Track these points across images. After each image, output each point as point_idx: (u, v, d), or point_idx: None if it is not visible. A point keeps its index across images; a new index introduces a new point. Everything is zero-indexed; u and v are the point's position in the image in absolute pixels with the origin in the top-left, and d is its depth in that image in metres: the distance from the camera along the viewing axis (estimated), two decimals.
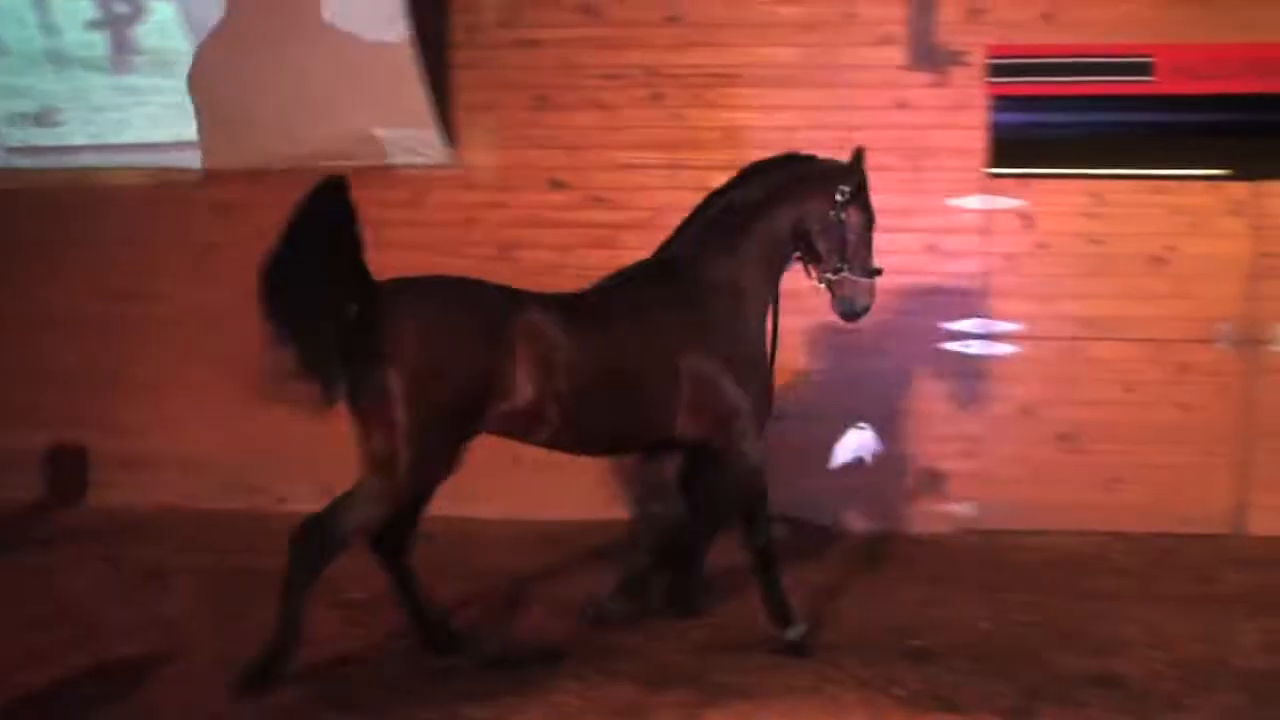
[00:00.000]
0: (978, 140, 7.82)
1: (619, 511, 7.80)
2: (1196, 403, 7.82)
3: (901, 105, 7.83)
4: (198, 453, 8.32)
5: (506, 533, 7.64)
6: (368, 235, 7.94)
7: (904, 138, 7.80)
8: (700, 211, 5.61)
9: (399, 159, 7.98)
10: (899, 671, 5.25)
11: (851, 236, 5.44)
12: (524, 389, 4.95)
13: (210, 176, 8.25)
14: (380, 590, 6.07)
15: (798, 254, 5.60)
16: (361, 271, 4.83)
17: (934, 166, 7.82)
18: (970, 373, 7.86)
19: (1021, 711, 4.82)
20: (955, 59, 7.79)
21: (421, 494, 5.10)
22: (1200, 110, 8.11)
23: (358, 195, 7.90)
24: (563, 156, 8.03)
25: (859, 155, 5.44)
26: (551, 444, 5.33)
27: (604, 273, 7.78)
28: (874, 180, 7.54)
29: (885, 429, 7.89)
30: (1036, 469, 7.91)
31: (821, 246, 5.48)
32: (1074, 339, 7.76)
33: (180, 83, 7.98)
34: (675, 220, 7.73)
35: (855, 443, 6.47)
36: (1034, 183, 7.93)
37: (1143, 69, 7.66)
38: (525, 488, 7.97)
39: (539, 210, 8.03)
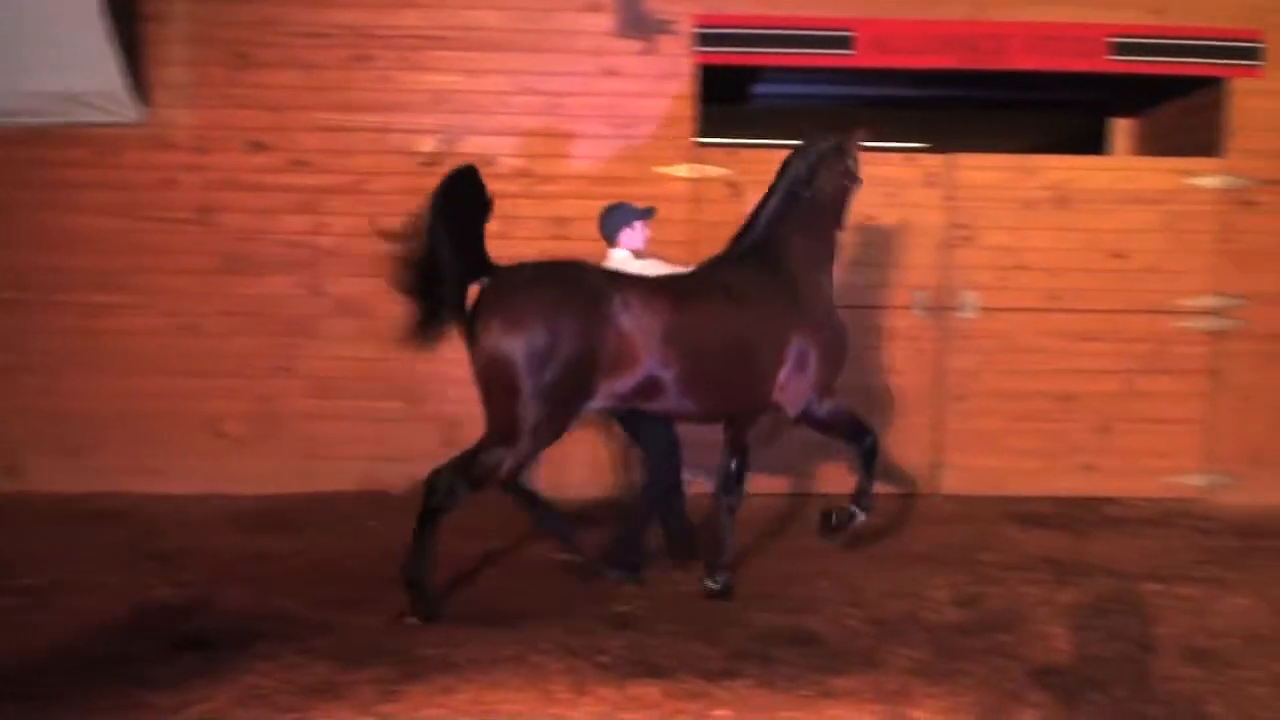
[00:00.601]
0: (686, 109, 8.17)
1: (317, 485, 7.99)
2: (898, 367, 8.40)
3: (610, 73, 8.11)
4: None
5: (205, 510, 7.63)
6: (51, 199, 7.94)
7: (613, 105, 8.11)
8: (770, 196, 6.30)
9: (85, 116, 7.80)
10: (604, 638, 5.42)
11: (850, 200, 6.45)
12: (638, 360, 5.62)
13: None
14: (58, 575, 6.07)
15: None
16: (483, 252, 5.58)
17: (643, 135, 8.13)
18: None
19: (724, 673, 5.04)
20: (663, 27, 8.12)
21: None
22: (897, 84, 8.76)
23: (39, 155, 7.94)
24: (264, 117, 8.01)
25: (857, 131, 6.39)
26: (672, 412, 5.97)
27: (307, 238, 7.98)
28: (582, 148, 7.97)
29: None
30: None
31: (834, 210, 6.39)
32: None
33: None
34: (382, 185, 8.00)
35: None
36: (741, 152, 8.33)
37: (843, 42, 8.14)
38: (223, 464, 8.05)
39: (238, 173, 8.00)
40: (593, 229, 7.70)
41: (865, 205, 8.15)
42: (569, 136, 8.08)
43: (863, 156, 8.19)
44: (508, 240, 7.85)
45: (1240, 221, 8.40)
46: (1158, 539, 7.54)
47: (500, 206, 7.96)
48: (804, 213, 6.23)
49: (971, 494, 8.39)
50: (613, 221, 6.42)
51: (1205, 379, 8.51)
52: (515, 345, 5.43)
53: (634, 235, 6.43)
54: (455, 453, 8.05)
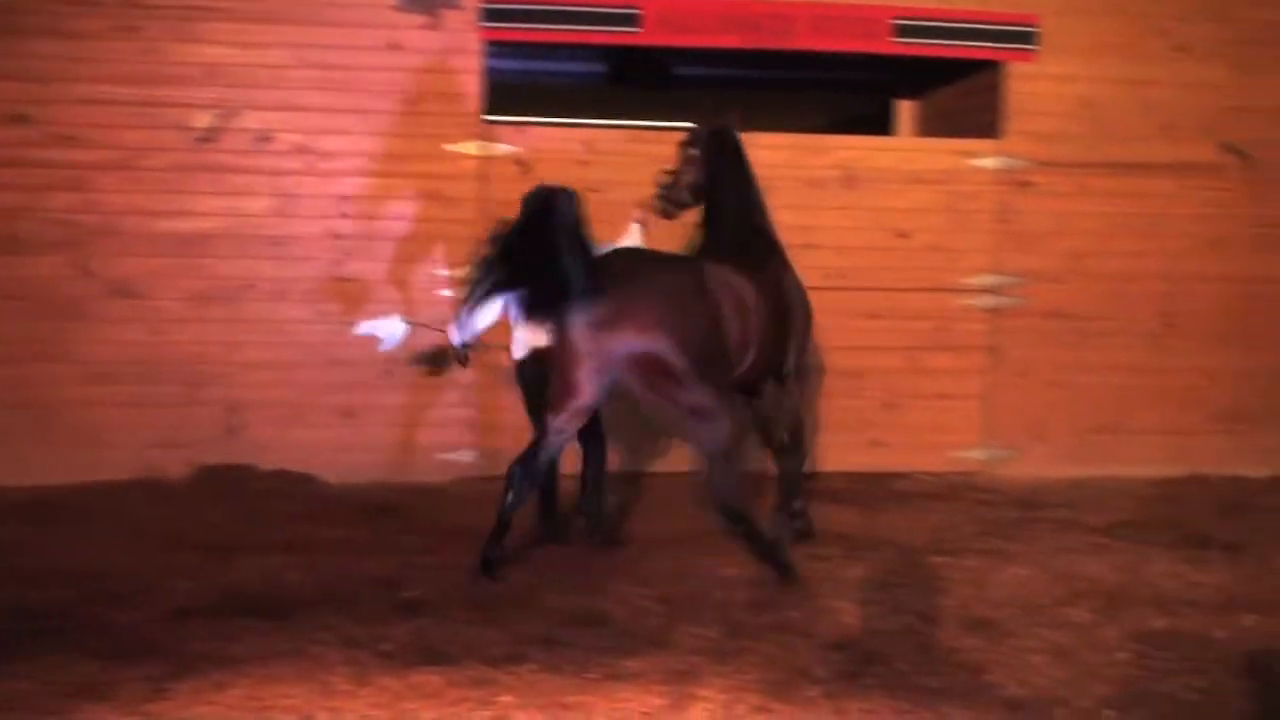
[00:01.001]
0: (473, 85, 8.15)
1: (93, 475, 7.79)
2: None
3: (394, 47, 8.03)
4: None
5: None
6: None
7: (397, 81, 8.04)
8: (733, 176, 6.74)
9: None
10: (388, 626, 5.40)
11: None
12: (733, 333, 6.05)
13: None
14: None
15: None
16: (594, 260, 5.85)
17: (430, 111, 8.08)
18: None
19: (510, 658, 5.07)
20: (448, 2, 8.07)
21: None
22: (687, 63, 8.95)
23: None
24: (24, 88, 7.69)
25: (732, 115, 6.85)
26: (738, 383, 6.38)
27: (75, 217, 7.76)
28: (365, 124, 7.94)
29: (383, 380, 8.21)
30: None
31: None
32: None
33: None
34: (156, 162, 7.83)
35: (387, 328, 6.88)
36: (530, 129, 8.41)
37: (631, 20, 8.23)
38: None
39: None
40: (378, 207, 7.79)
41: (652, 185, 8.27)
42: (351, 112, 8.01)
43: (655, 136, 8.47)
44: (289, 219, 7.86)
45: (1017, 202, 8.79)
46: (943, 512, 7.87)
47: (279, 184, 8.00)
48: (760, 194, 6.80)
49: (766, 470, 8.60)
50: None
51: (985, 355, 8.90)
52: (661, 339, 5.83)
53: None
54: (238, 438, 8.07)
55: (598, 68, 9.40)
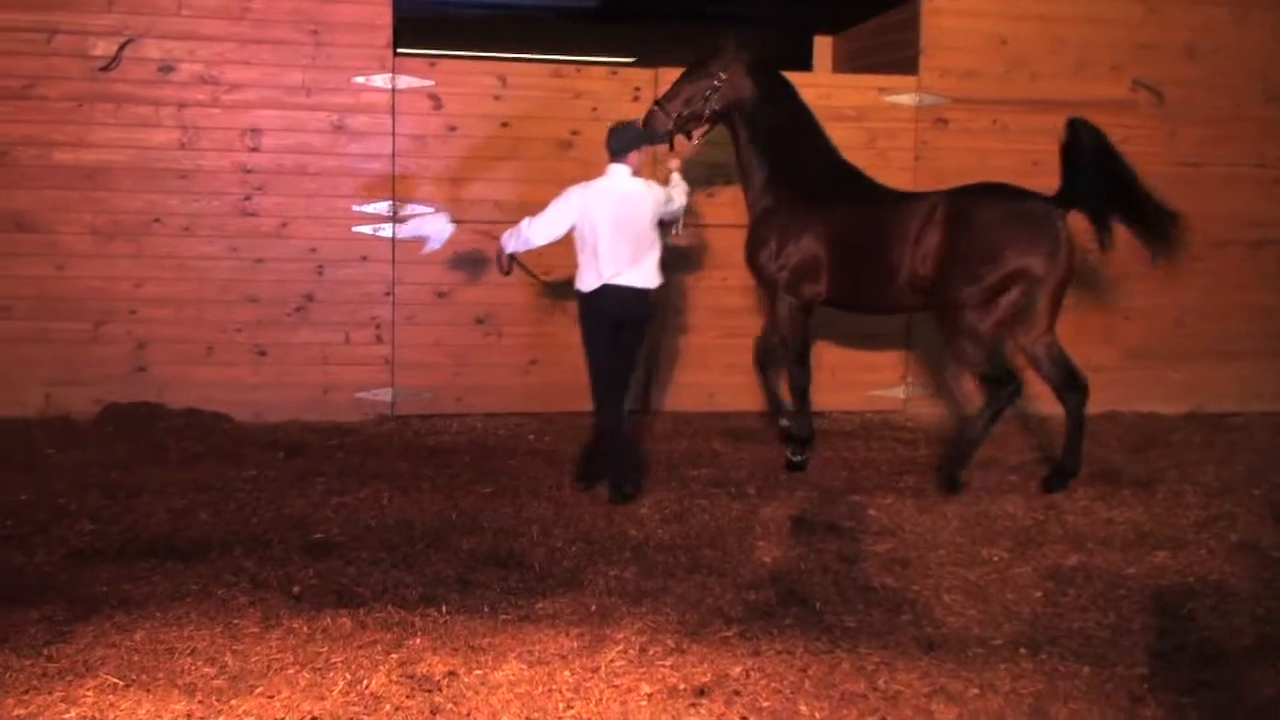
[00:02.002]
0: (384, 17, 7.97)
1: None
2: None
3: None
4: None
5: None
6: None
7: (303, 10, 7.86)
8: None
9: None
10: (297, 568, 5.35)
11: None
12: None
13: None
14: None
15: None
16: None
17: (338, 42, 7.92)
18: (383, 257, 8.16)
19: (423, 600, 5.03)
20: None
21: None
22: None
23: None
24: None
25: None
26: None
27: None
28: (272, 54, 7.76)
29: (296, 318, 8.11)
30: (453, 353, 8.33)
31: None
32: (488, 222, 7.90)
33: None
34: (55, 91, 7.61)
35: (433, 226, 6.95)
36: (441, 63, 8.23)
37: None
38: None
39: None
40: (287, 140, 7.65)
41: (570, 120, 8.24)
42: (257, 43, 7.82)
43: (573, 70, 8.38)
44: (194, 151, 7.70)
45: (935, 139, 8.80)
46: (861, 451, 7.92)
47: (184, 116, 7.81)
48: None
49: (685, 410, 8.62)
50: (627, 139, 6.51)
51: None
52: None
53: (638, 156, 6.62)
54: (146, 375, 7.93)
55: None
